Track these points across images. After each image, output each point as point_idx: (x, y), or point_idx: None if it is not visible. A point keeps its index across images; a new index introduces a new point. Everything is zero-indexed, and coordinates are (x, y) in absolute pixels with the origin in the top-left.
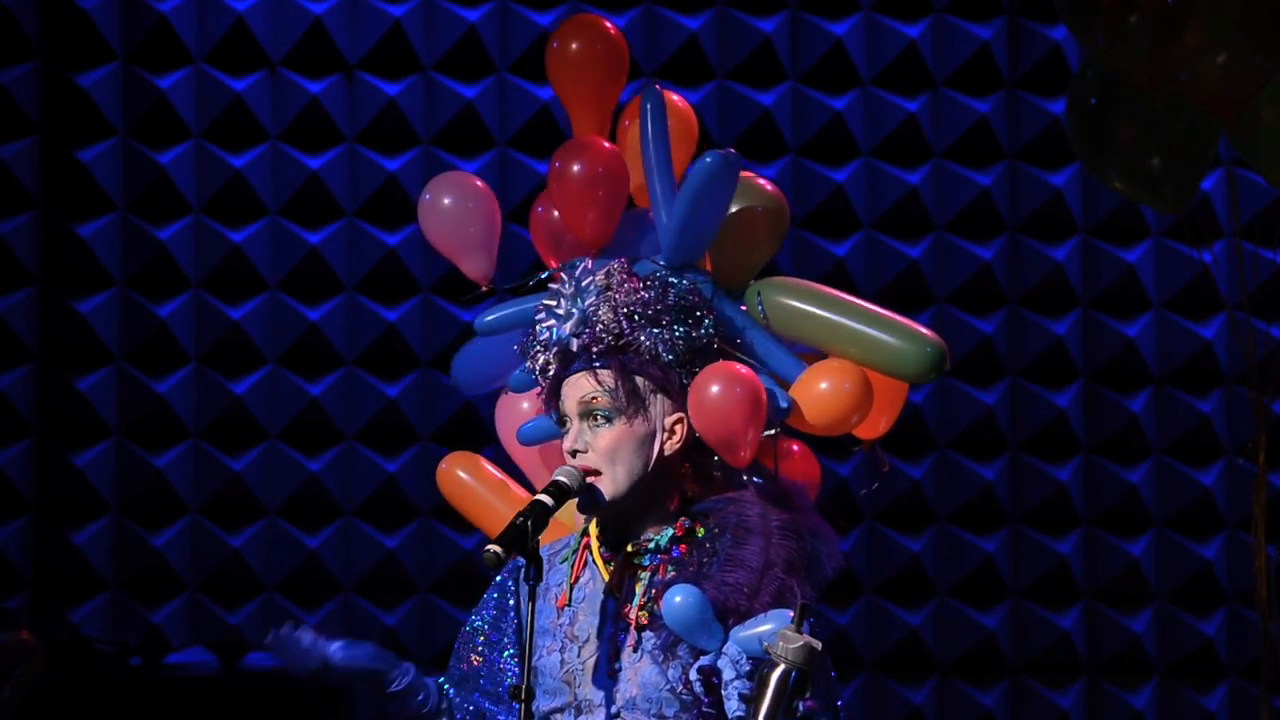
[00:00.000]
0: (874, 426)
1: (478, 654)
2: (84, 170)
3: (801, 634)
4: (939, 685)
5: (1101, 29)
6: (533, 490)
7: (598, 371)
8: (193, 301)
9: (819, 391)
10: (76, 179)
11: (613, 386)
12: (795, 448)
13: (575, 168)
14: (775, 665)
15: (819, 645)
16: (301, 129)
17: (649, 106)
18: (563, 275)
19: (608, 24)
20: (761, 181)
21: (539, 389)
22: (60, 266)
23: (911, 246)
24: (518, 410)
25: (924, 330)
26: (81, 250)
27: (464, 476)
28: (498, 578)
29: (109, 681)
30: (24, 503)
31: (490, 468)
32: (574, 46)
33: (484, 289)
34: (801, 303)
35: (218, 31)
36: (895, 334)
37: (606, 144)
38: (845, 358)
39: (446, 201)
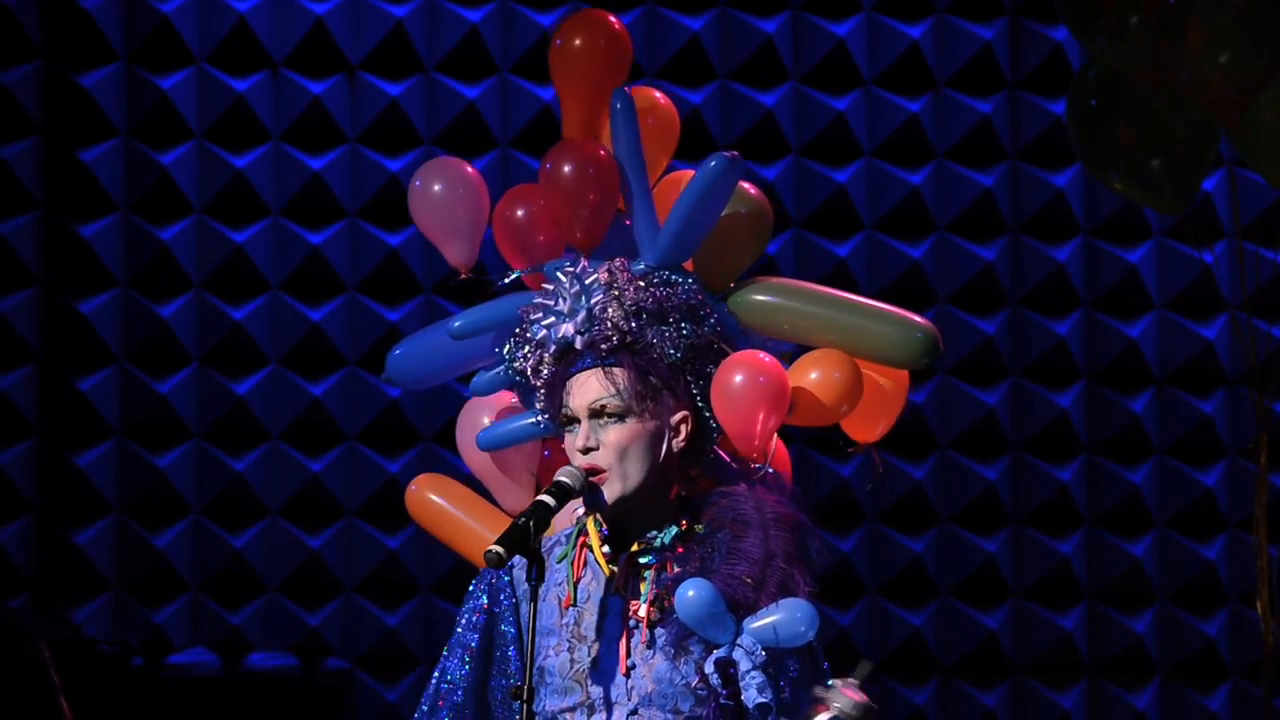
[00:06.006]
0: (871, 430)
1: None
2: (86, 171)
3: (860, 692)
4: (941, 686)
5: (1102, 30)
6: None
7: (609, 370)
8: (194, 302)
9: (809, 381)
10: (78, 179)
11: (624, 385)
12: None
13: (568, 168)
14: (824, 709)
15: (877, 708)
16: (303, 129)
17: (619, 107)
18: (559, 274)
19: (612, 19)
20: (745, 185)
21: (505, 392)
22: (62, 267)
23: (913, 247)
24: (478, 417)
25: (913, 316)
26: (83, 251)
27: (435, 499)
28: (469, 613)
29: (111, 682)
30: (26, 503)
31: (461, 486)
32: (577, 43)
33: (464, 276)
34: (785, 299)
35: (220, 32)
36: (883, 321)
37: (599, 144)
38: (835, 349)
39: (437, 184)
